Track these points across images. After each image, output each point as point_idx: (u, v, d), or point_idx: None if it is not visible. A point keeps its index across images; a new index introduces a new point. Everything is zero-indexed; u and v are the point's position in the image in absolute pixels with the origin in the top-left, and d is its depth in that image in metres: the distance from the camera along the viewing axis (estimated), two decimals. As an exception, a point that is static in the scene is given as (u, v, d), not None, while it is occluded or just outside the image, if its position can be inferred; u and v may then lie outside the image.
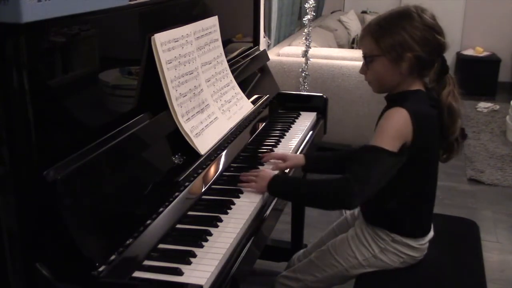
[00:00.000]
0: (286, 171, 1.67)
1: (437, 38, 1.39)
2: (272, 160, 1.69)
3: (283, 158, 1.68)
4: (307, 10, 3.32)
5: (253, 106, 1.92)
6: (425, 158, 1.42)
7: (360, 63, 1.50)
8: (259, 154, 1.74)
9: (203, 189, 1.46)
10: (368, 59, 1.45)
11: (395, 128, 1.35)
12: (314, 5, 3.33)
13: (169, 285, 1.08)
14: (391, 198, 1.43)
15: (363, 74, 1.49)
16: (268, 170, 1.54)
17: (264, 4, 3.69)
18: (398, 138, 1.34)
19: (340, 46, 4.76)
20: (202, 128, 1.57)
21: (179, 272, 1.10)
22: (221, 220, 1.33)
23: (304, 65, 3.37)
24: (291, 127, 2.04)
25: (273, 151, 1.76)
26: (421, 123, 1.36)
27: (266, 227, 1.41)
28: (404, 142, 1.35)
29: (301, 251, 1.82)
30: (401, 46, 1.38)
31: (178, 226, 1.30)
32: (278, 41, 4.20)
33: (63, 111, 1.14)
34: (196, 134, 1.52)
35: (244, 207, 1.40)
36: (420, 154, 1.38)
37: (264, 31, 3.81)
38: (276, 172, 1.58)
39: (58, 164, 1.08)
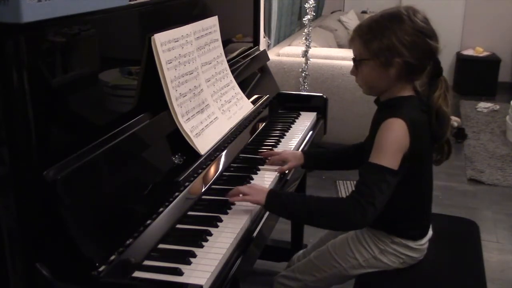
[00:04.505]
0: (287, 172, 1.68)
1: (428, 42, 1.36)
2: (270, 159, 1.70)
3: (283, 159, 1.69)
4: (307, 10, 3.32)
5: (253, 106, 1.92)
6: (420, 163, 1.42)
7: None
8: (259, 155, 1.74)
9: (203, 189, 1.46)
10: (357, 62, 1.43)
11: (395, 142, 1.34)
12: (314, 5, 3.33)
13: (169, 285, 1.08)
14: (389, 201, 1.43)
15: (354, 76, 1.47)
16: (259, 185, 1.45)
17: (264, 4, 3.69)
18: (399, 152, 1.34)
19: (340, 46, 4.76)
20: (202, 128, 1.57)
21: (179, 272, 1.10)
22: (221, 220, 1.33)
23: (304, 65, 3.37)
24: (291, 127, 2.04)
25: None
26: (416, 131, 1.35)
27: (266, 227, 1.41)
28: (403, 153, 1.35)
29: (301, 251, 1.82)
30: (390, 51, 1.35)
31: (178, 226, 1.30)
32: (278, 41, 4.20)
33: (63, 111, 1.14)
34: (196, 134, 1.52)
35: (244, 207, 1.40)
36: (415, 160, 1.38)
37: (264, 31, 3.81)
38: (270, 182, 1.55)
39: (58, 164, 1.08)
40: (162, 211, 1.26)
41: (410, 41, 1.34)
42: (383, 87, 1.44)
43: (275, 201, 1.38)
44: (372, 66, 1.39)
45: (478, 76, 5.35)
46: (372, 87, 1.46)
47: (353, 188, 1.34)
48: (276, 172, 1.64)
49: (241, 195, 1.39)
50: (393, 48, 1.34)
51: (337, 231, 1.55)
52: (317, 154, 1.80)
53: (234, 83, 1.87)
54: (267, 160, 1.71)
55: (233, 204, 1.41)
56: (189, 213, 1.36)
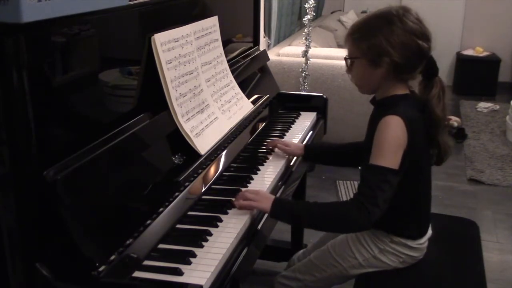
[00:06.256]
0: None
1: (418, 43, 1.37)
2: (276, 150, 1.76)
3: (287, 144, 1.76)
4: (307, 10, 3.32)
5: (253, 106, 1.92)
6: (417, 161, 1.42)
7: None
8: (261, 149, 1.74)
9: (203, 189, 1.46)
10: (349, 60, 1.46)
11: (395, 140, 1.34)
12: (314, 5, 3.33)
13: (169, 285, 1.08)
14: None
15: (349, 74, 1.50)
16: (265, 192, 1.46)
17: (264, 4, 3.69)
18: (399, 150, 1.34)
19: (340, 46, 4.76)
20: (202, 128, 1.57)
21: (179, 272, 1.10)
22: (221, 220, 1.33)
23: (304, 65, 3.37)
24: (291, 127, 2.05)
25: (273, 151, 1.78)
26: (413, 128, 1.36)
27: (266, 227, 1.41)
28: (403, 150, 1.35)
29: (301, 251, 1.83)
30: (378, 50, 1.37)
31: (178, 226, 1.30)
32: (278, 41, 4.20)
33: (63, 111, 1.14)
34: (196, 134, 1.52)
35: (244, 207, 1.40)
36: (412, 158, 1.38)
37: (264, 31, 3.81)
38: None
39: (58, 164, 1.08)
40: (162, 211, 1.26)
41: (398, 41, 1.36)
42: (374, 86, 1.46)
43: (281, 208, 1.39)
44: (362, 65, 1.42)
45: (478, 76, 5.34)
46: (363, 85, 1.48)
47: (354, 190, 1.34)
48: (279, 168, 1.66)
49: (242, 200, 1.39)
50: (381, 47, 1.36)
51: (343, 234, 1.56)
52: (318, 148, 1.84)
53: (234, 83, 1.87)
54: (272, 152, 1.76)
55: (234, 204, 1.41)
56: (189, 213, 1.36)
